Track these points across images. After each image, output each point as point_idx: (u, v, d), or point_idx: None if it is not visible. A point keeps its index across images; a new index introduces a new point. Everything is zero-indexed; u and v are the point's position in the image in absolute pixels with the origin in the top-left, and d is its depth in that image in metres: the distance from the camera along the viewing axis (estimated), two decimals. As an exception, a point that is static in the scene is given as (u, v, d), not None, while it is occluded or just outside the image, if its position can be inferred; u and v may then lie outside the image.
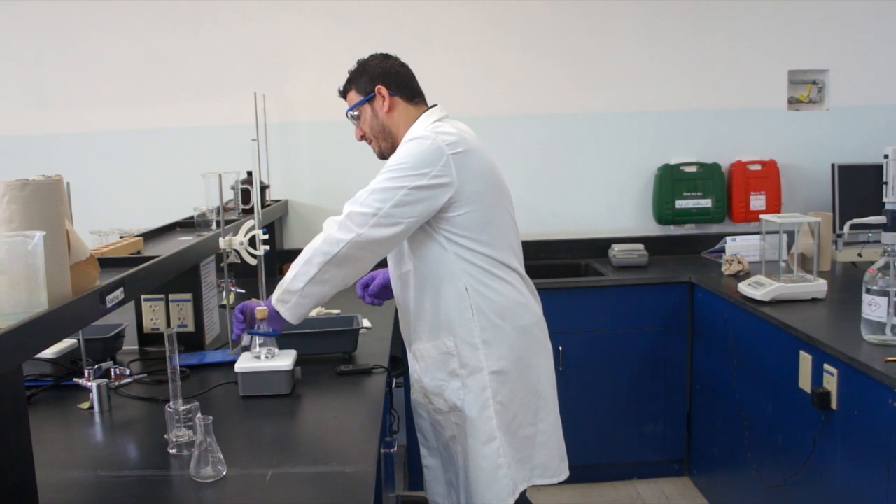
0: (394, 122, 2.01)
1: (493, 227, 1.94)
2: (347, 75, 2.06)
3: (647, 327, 3.24)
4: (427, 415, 2.06)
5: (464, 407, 1.93)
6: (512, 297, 1.96)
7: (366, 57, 2.06)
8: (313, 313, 2.53)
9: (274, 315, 1.90)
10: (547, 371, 2.07)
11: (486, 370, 1.92)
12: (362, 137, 2.07)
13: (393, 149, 1.99)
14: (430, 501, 2.13)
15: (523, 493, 2.06)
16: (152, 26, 3.50)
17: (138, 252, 2.14)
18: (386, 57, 2.05)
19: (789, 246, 2.90)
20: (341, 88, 2.07)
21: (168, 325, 2.35)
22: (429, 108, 2.05)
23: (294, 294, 1.87)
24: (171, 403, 1.62)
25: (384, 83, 2.00)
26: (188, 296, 2.36)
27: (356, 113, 2.04)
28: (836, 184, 3.48)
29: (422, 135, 1.88)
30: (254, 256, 2.12)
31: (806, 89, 3.72)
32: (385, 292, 2.17)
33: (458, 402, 1.94)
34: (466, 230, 1.89)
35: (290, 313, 1.88)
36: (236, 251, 2.12)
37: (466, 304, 1.91)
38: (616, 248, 3.48)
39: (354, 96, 2.03)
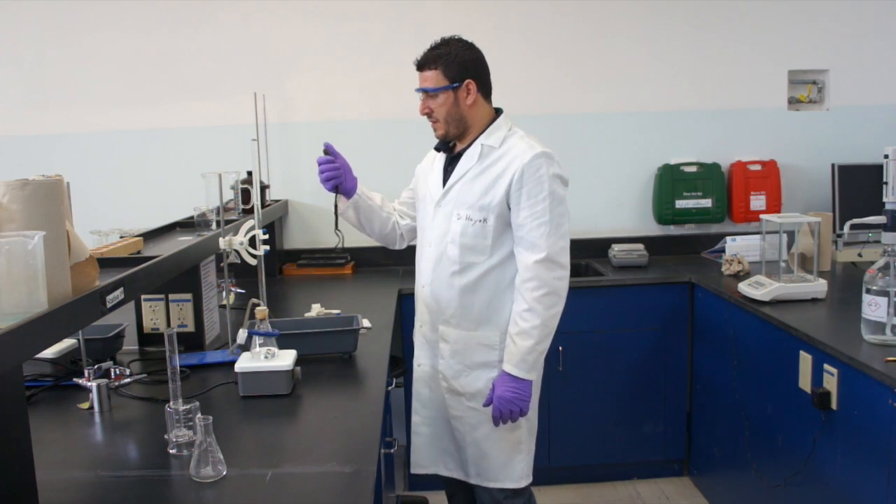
0: (472, 116, 2.09)
1: None
2: (431, 49, 2.06)
3: (647, 327, 3.24)
4: (435, 389, 2.19)
5: None
6: None
7: (447, 37, 2.08)
8: (313, 313, 2.53)
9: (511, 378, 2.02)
10: None
11: None
12: (428, 114, 2.10)
13: (459, 136, 2.12)
14: (413, 464, 2.27)
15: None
16: (152, 26, 3.50)
17: (138, 252, 2.14)
18: (472, 46, 2.10)
19: (789, 246, 2.90)
20: (419, 59, 2.07)
21: (168, 325, 2.35)
22: (495, 109, 2.16)
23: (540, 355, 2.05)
24: (171, 403, 1.62)
25: (475, 77, 2.06)
26: (188, 296, 2.36)
27: (432, 92, 2.06)
28: (836, 184, 3.48)
29: (546, 150, 2.04)
30: (254, 256, 2.12)
31: (806, 89, 3.72)
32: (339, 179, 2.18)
33: (486, 389, 2.09)
34: None
35: (535, 373, 2.05)
36: (236, 251, 2.12)
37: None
38: (616, 248, 3.48)
39: (439, 77, 2.04)
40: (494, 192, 2.04)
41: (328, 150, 2.18)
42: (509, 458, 2.13)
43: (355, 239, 3.67)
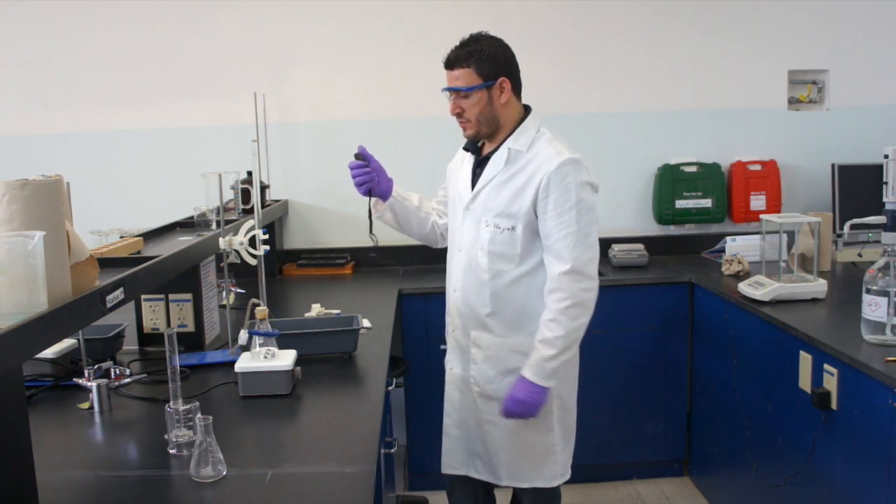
0: (504, 115, 2.04)
1: None
2: (462, 46, 2.00)
3: (647, 327, 3.24)
4: (466, 393, 2.18)
5: None
6: None
7: (476, 33, 2.03)
8: (313, 313, 2.53)
9: (532, 387, 1.97)
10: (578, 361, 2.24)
11: None
12: (459, 114, 2.03)
13: (490, 136, 2.07)
14: (444, 465, 2.26)
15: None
16: (152, 26, 3.50)
17: (138, 252, 2.14)
18: (503, 42, 2.03)
19: (789, 246, 2.90)
20: (449, 57, 2.00)
21: (168, 325, 2.35)
22: (524, 106, 2.10)
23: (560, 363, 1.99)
24: (171, 403, 1.62)
25: (508, 75, 2.01)
26: (188, 296, 2.36)
27: (465, 92, 1.99)
28: (836, 184, 3.48)
29: (574, 157, 1.98)
30: (254, 256, 2.12)
31: (806, 89, 3.72)
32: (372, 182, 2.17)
33: None
34: None
35: (554, 381, 2.00)
36: (236, 251, 2.11)
37: None
38: (616, 248, 3.48)
39: (471, 76, 1.98)
40: (522, 200, 1.99)
41: (361, 155, 2.16)
42: (542, 460, 2.13)
43: (355, 239, 3.70)
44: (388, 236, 3.77)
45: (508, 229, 2.02)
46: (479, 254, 2.07)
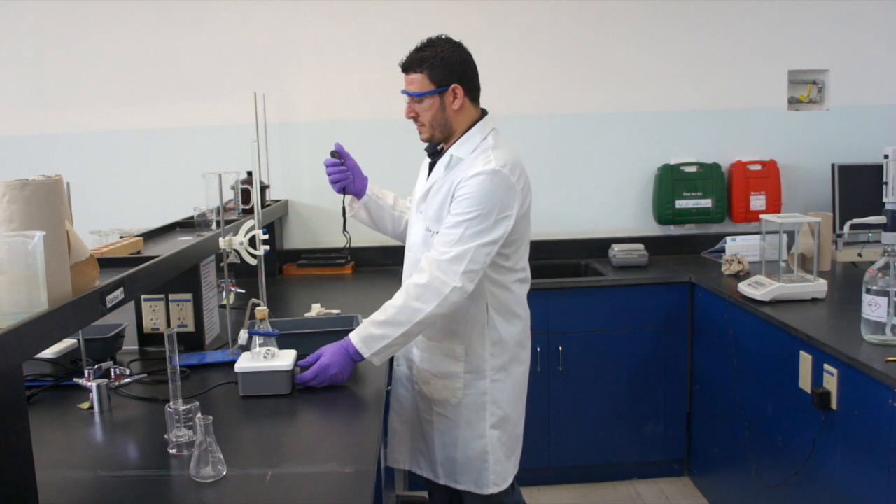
0: (457, 120, 2.03)
1: (519, 237, 2.03)
2: (417, 51, 1.98)
3: (647, 327, 3.24)
4: (411, 389, 2.18)
5: (459, 405, 2.07)
6: (520, 311, 2.11)
7: (434, 37, 2.00)
8: (313, 313, 2.54)
9: (351, 351, 1.91)
10: (527, 371, 2.20)
11: (489, 378, 2.06)
12: (414, 118, 2.03)
13: (444, 140, 2.06)
14: (390, 458, 2.24)
15: (514, 486, 2.18)
16: (152, 26, 3.50)
17: (138, 252, 2.14)
18: (459, 47, 2.01)
19: (789, 246, 2.90)
20: (404, 61, 2.00)
21: (168, 325, 2.35)
22: (480, 109, 2.08)
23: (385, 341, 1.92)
24: (171, 403, 1.62)
25: (461, 81, 1.98)
26: (188, 296, 2.36)
27: (417, 97, 1.99)
28: (836, 184, 3.48)
29: (497, 168, 1.92)
30: (254, 256, 2.12)
31: (806, 89, 3.72)
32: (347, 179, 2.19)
33: (453, 399, 2.07)
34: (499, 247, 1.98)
35: (369, 352, 1.92)
36: (236, 251, 2.11)
37: (483, 318, 2.03)
38: (616, 248, 3.48)
39: (424, 81, 1.97)
40: (445, 208, 1.99)
41: (337, 152, 2.17)
42: (475, 464, 2.08)
43: (355, 239, 3.68)
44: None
45: (436, 234, 2.00)
46: (420, 255, 2.05)
